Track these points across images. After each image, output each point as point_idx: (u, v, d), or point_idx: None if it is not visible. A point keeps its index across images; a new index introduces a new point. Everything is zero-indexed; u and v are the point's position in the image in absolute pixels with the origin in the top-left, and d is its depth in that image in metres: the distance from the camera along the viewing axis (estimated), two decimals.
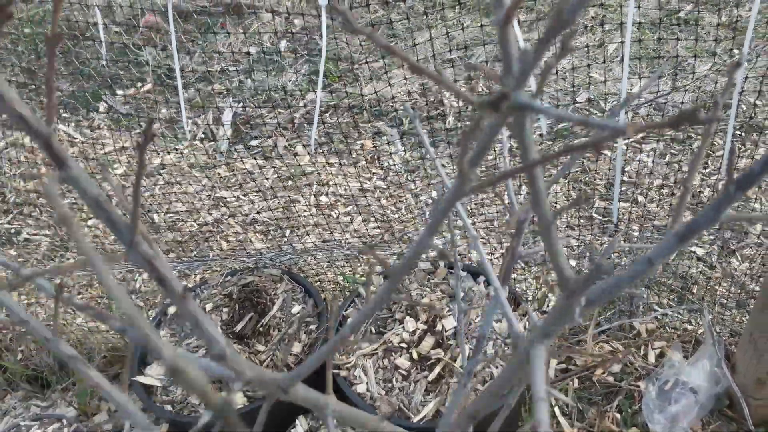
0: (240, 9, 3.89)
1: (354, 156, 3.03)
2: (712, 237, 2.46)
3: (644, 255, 0.48)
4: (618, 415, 1.97)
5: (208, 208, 2.85)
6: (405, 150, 3.05)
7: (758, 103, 2.89)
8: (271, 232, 2.73)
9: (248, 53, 3.74)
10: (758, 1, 2.14)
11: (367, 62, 3.46)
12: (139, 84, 3.68)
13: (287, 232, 2.70)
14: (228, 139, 3.23)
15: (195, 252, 2.65)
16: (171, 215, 2.85)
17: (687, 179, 0.53)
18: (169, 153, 3.14)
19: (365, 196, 2.79)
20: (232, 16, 3.96)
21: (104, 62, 3.75)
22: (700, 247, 2.45)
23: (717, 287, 2.30)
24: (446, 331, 1.82)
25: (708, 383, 1.94)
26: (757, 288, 2.25)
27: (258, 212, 2.81)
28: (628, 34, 2.17)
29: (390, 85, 3.15)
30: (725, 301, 2.26)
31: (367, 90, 3.36)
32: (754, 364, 1.82)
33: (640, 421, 1.95)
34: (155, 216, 2.86)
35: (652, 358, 2.10)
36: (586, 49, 3.29)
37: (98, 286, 2.54)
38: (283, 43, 3.77)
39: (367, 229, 2.64)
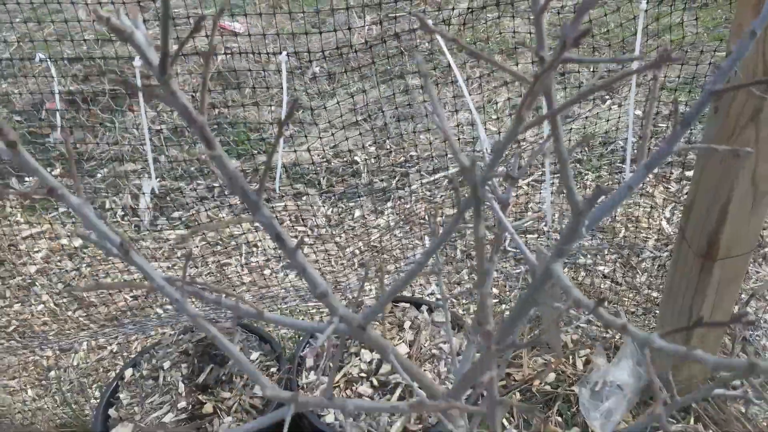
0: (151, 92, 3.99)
1: (278, 217, 3.16)
2: (614, 255, 2.77)
3: (624, 183, 0.67)
4: (560, 419, 2.17)
5: (138, 279, 2.87)
6: (326, 206, 3.21)
7: None
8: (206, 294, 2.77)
9: (159, 131, 3.83)
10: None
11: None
12: (48, 169, 3.66)
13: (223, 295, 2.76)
14: (150, 212, 3.28)
15: (131, 322, 2.66)
16: (101, 291, 2.84)
17: (644, 126, 0.73)
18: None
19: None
20: (136, 99, 4.04)
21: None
22: (605, 266, 2.74)
23: (625, 299, 2.58)
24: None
25: (632, 379, 2.17)
26: (655, 294, 2.55)
27: (191, 278, 2.86)
28: None
29: (308, 150, 3.34)
30: (633, 310, 2.54)
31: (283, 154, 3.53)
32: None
33: (579, 420, 2.15)
34: (85, 293, 2.84)
35: (580, 365, 2.32)
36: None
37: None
38: None
39: (302, 282, 2.76)
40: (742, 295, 2.51)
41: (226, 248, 3.00)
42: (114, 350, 2.59)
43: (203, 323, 0.66)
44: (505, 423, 2.15)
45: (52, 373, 2.52)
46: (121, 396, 1.97)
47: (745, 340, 2.37)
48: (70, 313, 2.78)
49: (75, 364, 2.56)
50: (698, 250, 1.73)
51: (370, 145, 3.57)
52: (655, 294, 2.58)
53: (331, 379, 0.71)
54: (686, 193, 3.03)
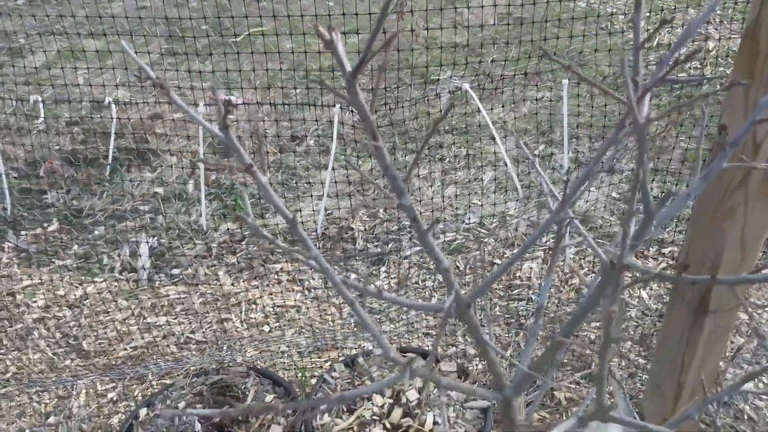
0: (144, 154, 4.13)
1: (276, 277, 3.26)
2: (600, 323, 2.93)
3: (683, 192, 0.84)
4: None
5: (139, 332, 2.91)
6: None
7: None
8: (207, 349, 2.84)
9: (156, 193, 3.94)
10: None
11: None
12: (45, 224, 3.72)
13: (224, 348, 2.83)
14: (147, 269, 3.35)
15: (130, 372, 2.69)
16: (101, 341, 2.88)
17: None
18: (89, 285, 3.19)
19: (289, 311, 3.01)
20: (137, 160, 4.17)
21: (7, 207, 3.76)
22: (592, 332, 2.89)
23: (612, 363, 2.73)
24: (410, 402, 2.05)
25: None
26: (641, 360, 2.70)
27: (192, 332, 2.92)
28: None
29: (298, 210, 3.49)
30: (621, 373, 2.68)
31: (279, 219, 3.67)
32: (661, 413, 2.20)
33: None
34: (84, 343, 2.87)
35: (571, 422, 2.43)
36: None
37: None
38: (191, 183, 4.02)
39: (301, 337, 2.84)
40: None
41: (226, 305, 3.07)
42: (114, 398, 2.61)
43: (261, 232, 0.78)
44: None
45: (51, 419, 2.52)
46: None
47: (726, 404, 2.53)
48: (68, 362, 2.80)
49: (74, 411, 2.56)
50: (690, 304, 1.90)
51: (363, 214, 3.73)
52: (641, 360, 2.73)
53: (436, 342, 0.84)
54: (664, 268, 3.25)
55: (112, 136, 4.03)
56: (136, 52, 4.17)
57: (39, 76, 5.00)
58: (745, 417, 2.47)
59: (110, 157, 4.05)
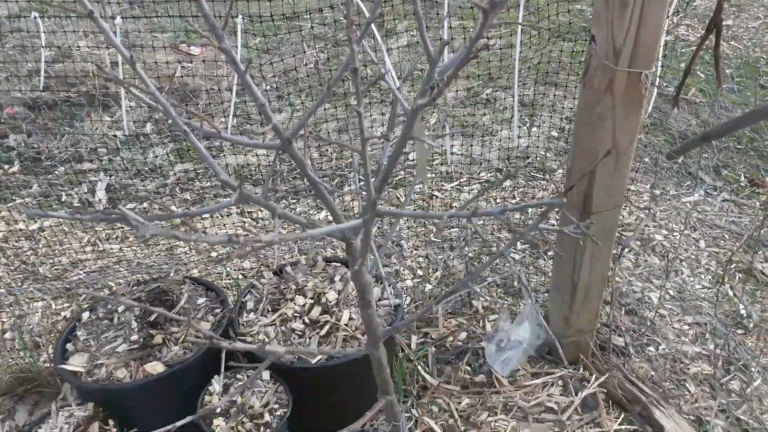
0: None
1: (227, 210, 3.44)
2: (525, 245, 3.14)
3: (464, 46, 1.02)
4: (468, 368, 2.48)
5: (93, 259, 3.09)
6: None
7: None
8: (155, 273, 3.02)
9: (115, 136, 4.09)
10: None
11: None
12: (6, 166, 3.87)
13: (171, 272, 3.02)
14: (104, 204, 3.52)
15: (85, 294, 2.88)
16: (57, 267, 3.06)
17: None
18: (47, 220, 3.36)
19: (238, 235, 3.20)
20: (96, 106, 4.31)
21: None
22: (516, 253, 3.11)
23: (532, 280, 2.95)
24: (330, 302, 2.26)
25: (530, 335, 2.51)
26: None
27: (144, 258, 3.11)
28: None
29: (255, 155, 3.66)
30: (539, 288, 2.90)
31: (231, 160, 3.84)
32: (561, 310, 2.42)
33: (485, 370, 2.47)
34: (40, 269, 3.05)
35: (488, 327, 2.66)
36: None
37: None
38: (148, 126, 4.17)
39: (246, 262, 3.04)
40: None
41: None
42: (67, 316, 2.80)
43: (180, 123, 0.96)
44: (421, 371, 2.45)
45: (8, 335, 2.71)
46: (78, 333, 2.20)
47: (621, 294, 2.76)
48: (24, 286, 2.98)
49: (30, 328, 2.75)
50: (577, 207, 2.11)
51: (313, 153, 3.91)
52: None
53: (267, 182, 1.02)
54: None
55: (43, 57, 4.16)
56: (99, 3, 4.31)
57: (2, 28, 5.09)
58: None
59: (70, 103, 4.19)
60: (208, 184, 3.66)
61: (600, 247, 2.18)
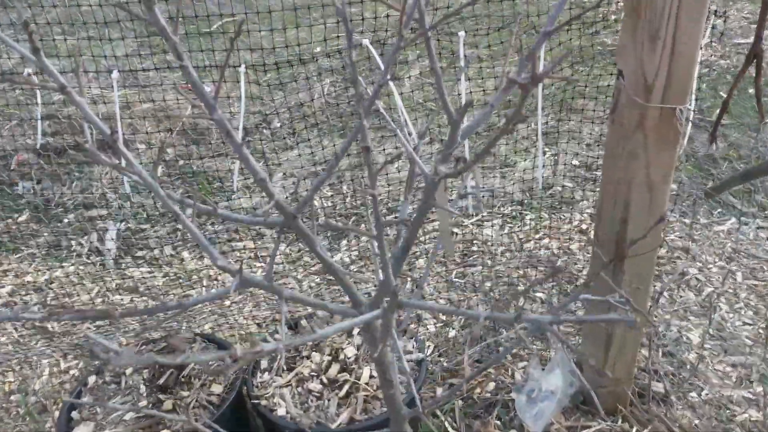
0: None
1: (239, 254, 3.33)
2: (551, 284, 2.99)
3: (489, 103, 0.90)
4: (498, 422, 2.32)
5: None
6: (284, 245, 3.40)
7: None
8: (167, 323, 2.91)
9: (133, 181, 4.01)
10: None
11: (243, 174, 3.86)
12: (15, 215, 3.80)
13: (184, 324, 2.90)
14: (114, 252, 3.43)
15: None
16: (65, 322, 2.95)
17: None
18: (57, 270, 3.27)
19: (252, 288, 3.08)
20: (107, 150, 4.24)
21: None
22: (542, 293, 2.96)
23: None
24: (348, 359, 2.12)
25: (563, 384, 2.36)
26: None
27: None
28: None
29: (263, 196, 3.55)
30: (569, 331, 2.75)
31: (244, 201, 3.74)
32: (596, 361, 2.27)
33: (516, 424, 2.31)
34: (49, 324, 2.94)
35: (518, 375, 2.50)
36: None
37: None
38: (159, 169, 4.09)
39: (260, 310, 2.92)
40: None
41: (188, 282, 3.15)
42: (76, 375, 2.69)
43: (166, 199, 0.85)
44: (449, 428, 2.30)
45: (14, 397, 2.60)
46: (84, 399, 2.08)
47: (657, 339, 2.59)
48: (33, 343, 2.88)
49: (37, 388, 2.64)
50: (609, 253, 1.96)
51: (327, 191, 3.80)
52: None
53: (271, 264, 0.90)
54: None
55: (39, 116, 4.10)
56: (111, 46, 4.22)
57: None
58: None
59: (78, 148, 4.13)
60: (221, 227, 3.56)
61: (636, 293, 2.03)
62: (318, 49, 5.18)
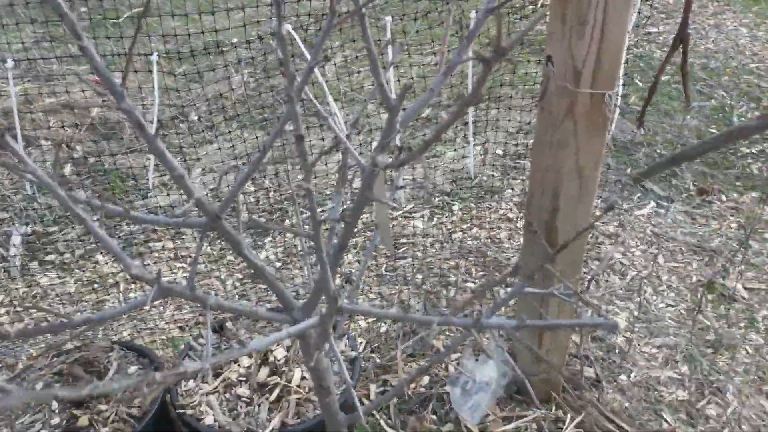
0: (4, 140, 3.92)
1: (157, 256, 3.17)
2: (481, 273, 2.98)
3: (430, 88, 0.83)
4: (434, 416, 2.29)
5: (10, 322, 2.78)
6: (205, 244, 3.25)
7: None
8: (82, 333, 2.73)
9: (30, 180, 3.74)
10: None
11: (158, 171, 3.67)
12: None
13: (100, 332, 2.72)
14: (19, 258, 3.19)
15: None
16: None
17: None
18: None
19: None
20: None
21: None
22: (473, 283, 2.94)
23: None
24: (278, 361, 2.03)
25: (497, 374, 2.34)
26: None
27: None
28: None
29: (181, 193, 3.39)
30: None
31: (161, 200, 3.56)
32: (529, 348, 2.26)
33: (452, 417, 2.28)
34: None
35: (451, 368, 2.47)
36: None
37: None
38: (68, 168, 3.85)
39: (182, 313, 2.77)
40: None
41: (104, 286, 2.96)
42: None
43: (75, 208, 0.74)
44: (385, 425, 2.25)
45: None
46: None
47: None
48: None
49: None
50: (540, 242, 1.95)
51: (249, 186, 3.66)
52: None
53: (192, 270, 0.81)
54: None
55: None
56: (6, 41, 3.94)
57: None
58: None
59: None
60: (138, 227, 3.38)
61: (567, 280, 2.02)
62: (235, 39, 5.01)
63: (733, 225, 3.25)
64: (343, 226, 0.82)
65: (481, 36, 4.26)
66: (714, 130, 3.96)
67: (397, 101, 0.78)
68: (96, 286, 2.97)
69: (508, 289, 1.90)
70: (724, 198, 3.44)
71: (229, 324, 2.19)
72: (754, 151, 3.81)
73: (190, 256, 3.17)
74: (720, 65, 4.71)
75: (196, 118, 4.25)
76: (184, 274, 3.09)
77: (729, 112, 4.15)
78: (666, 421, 2.28)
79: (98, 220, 0.73)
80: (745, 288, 2.85)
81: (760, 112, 4.15)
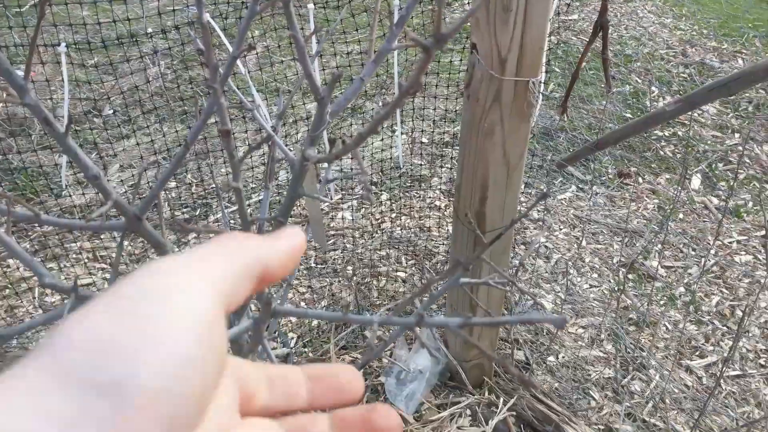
0: None
1: (74, 257, 3.02)
2: (411, 262, 2.99)
3: (359, 77, 0.81)
4: None
5: None
6: (126, 243, 3.13)
7: None
8: None
9: None
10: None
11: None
12: None
13: (14, 340, 2.58)
14: None
15: None
16: None
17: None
18: None
19: (90, 289, 2.81)
20: None
21: None
22: (403, 272, 2.94)
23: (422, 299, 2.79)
24: None
25: (431, 362, 2.35)
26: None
27: None
28: None
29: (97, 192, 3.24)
30: (432, 307, 2.75)
31: (76, 198, 3.40)
32: (461, 334, 2.28)
33: None
34: None
35: (384, 360, 2.47)
36: None
37: None
38: None
39: None
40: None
41: (16, 292, 2.81)
42: None
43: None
44: None
45: None
46: None
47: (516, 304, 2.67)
48: None
49: None
50: (471, 231, 1.96)
51: (170, 182, 3.54)
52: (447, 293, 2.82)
53: (114, 276, 0.76)
54: None
55: None
56: None
57: None
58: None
59: None
60: (51, 228, 3.21)
61: (498, 266, 2.05)
62: (150, 29, 4.83)
63: (650, 206, 3.37)
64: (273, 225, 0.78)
65: (406, 24, 4.25)
66: (629, 115, 4.09)
67: (327, 92, 0.75)
68: (7, 292, 2.81)
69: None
70: (641, 180, 3.56)
71: None
72: (666, 134, 3.96)
73: (110, 257, 3.04)
74: (632, 52, 4.88)
75: (111, 112, 4.07)
76: (105, 275, 2.97)
77: (642, 96, 4.30)
78: (593, 398, 2.35)
79: (4, 224, 0.67)
80: (663, 266, 2.97)
81: (671, 96, 4.32)
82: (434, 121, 3.99)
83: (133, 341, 0.25)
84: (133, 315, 0.26)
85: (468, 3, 5.57)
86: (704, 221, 3.28)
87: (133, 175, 3.51)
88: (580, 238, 3.12)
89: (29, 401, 0.24)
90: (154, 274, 0.29)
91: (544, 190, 3.42)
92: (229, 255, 0.32)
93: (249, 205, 3.33)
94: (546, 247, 3.11)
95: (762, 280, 2.87)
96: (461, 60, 4.02)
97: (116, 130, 3.90)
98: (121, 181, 3.47)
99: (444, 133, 3.87)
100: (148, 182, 3.36)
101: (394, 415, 0.38)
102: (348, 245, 3.06)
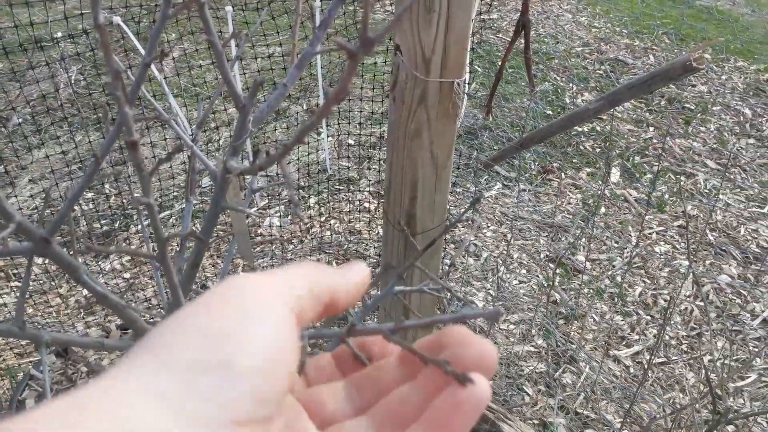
0: None
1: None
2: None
3: (283, 83, 0.77)
4: None
5: None
6: (41, 259, 2.97)
7: None
8: None
9: None
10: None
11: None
12: None
13: None
14: None
15: None
16: None
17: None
18: None
19: (2, 310, 2.65)
20: None
21: None
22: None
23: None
24: None
25: None
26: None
27: None
28: None
29: (18, 204, 3.06)
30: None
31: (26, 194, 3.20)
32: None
33: None
34: None
35: None
36: None
37: None
38: None
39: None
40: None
41: None
42: None
43: None
44: None
45: None
46: None
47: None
48: None
49: None
50: (401, 233, 1.94)
51: (87, 193, 3.39)
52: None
53: (20, 304, 0.70)
54: None
55: None
56: None
57: None
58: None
59: None
60: None
61: (429, 269, 2.04)
62: (59, 33, 4.61)
63: (573, 200, 3.46)
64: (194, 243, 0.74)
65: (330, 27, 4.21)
66: (550, 112, 4.19)
67: (249, 100, 0.71)
68: None
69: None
70: (563, 175, 3.65)
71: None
72: (585, 129, 4.07)
73: (22, 274, 2.87)
74: (550, 50, 5.00)
75: (19, 121, 3.86)
76: (17, 294, 2.80)
77: (562, 93, 4.41)
78: (527, 394, 2.38)
79: None
80: (589, 260, 3.05)
81: (589, 92, 4.45)
82: (360, 122, 3.97)
83: (238, 332, 0.31)
84: (236, 313, 0.32)
85: (390, 3, 5.58)
86: (625, 214, 3.38)
87: (43, 189, 3.34)
88: (508, 235, 3.16)
89: (141, 384, 0.29)
90: (246, 290, 0.34)
91: (474, 191, 3.46)
92: (304, 278, 0.38)
93: (171, 215, 3.22)
94: (475, 245, 3.13)
95: (680, 269, 2.98)
96: (385, 61, 4.02)
97: (25, 141, 3.70)
98: (31, 196, 3.29)
99: (371, 134, 3.85)
100: (60, 195, 3.20)
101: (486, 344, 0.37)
102: (277, 251, 3.00)
